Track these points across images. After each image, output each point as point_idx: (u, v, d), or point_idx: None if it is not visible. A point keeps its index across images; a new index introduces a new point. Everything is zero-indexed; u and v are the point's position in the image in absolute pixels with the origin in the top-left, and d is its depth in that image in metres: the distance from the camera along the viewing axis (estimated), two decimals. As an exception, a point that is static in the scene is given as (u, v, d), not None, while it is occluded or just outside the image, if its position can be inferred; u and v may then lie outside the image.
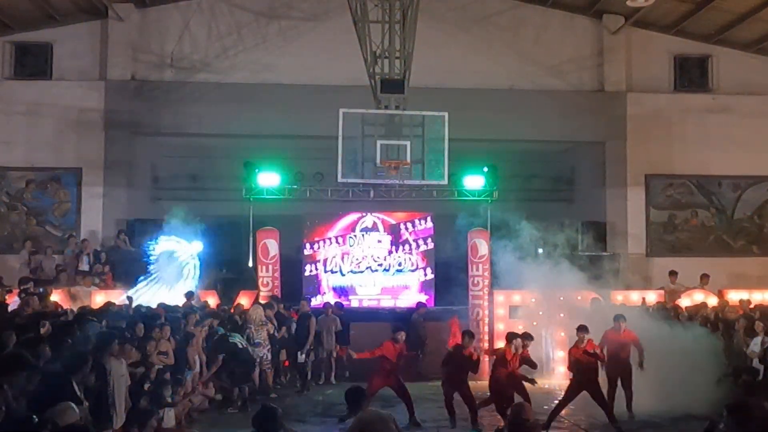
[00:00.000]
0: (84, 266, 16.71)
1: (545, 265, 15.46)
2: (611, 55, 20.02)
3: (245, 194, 17.43)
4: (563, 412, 11.92)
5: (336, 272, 17.94)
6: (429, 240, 18.06)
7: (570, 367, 11.90)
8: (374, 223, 18.10)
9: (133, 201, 19.20)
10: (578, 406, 12.33)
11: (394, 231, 18.06)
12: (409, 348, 12.98)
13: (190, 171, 20.92)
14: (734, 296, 16.12)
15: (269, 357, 14.09)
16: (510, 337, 11.93)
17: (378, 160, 15.50)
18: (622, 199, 19.91)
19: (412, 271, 18.00)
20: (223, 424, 11.67)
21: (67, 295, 14.42)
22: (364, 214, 18.13)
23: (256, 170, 17.30)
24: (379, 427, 6.39)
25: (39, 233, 18.63)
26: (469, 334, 11.87)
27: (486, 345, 15.56)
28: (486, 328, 16.44)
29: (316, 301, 17.21)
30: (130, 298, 13.95)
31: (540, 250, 16.19)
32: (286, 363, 15.40)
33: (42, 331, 8.98)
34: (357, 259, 17.96)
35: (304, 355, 14.88)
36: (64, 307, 13.03)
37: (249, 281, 17.18)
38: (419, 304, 16.75)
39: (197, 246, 15.99)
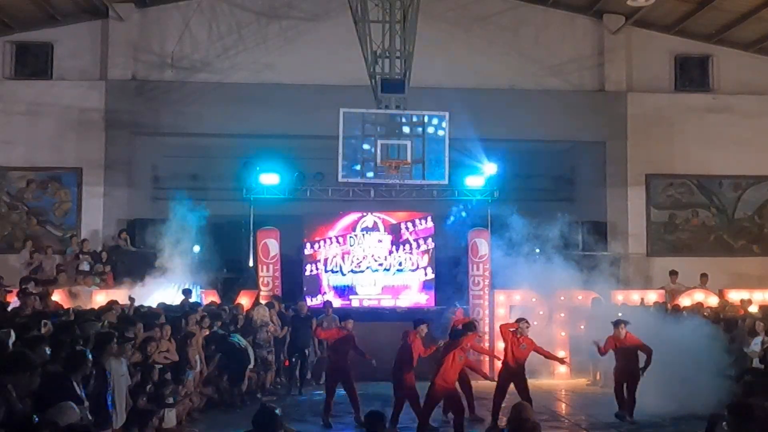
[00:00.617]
0: (84, 266, 16.70)
1: (545, 265, 15.47)
2: (612, 54, 20.02)
3: (245, 194, 17.43)
4: (564, 411, 11.91)
5: (336, 272, 17.94)
6: (429, 240, 18.05)
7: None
8: (374, 223, 18.09)
9: (133, 201, 19.21)
10: (578, 406, 12.35)
11: (394, 231, 18.05)
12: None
13: (191, 171, 20.92)
14: (735, 296, 16.13)
15: (270, 358, 14.10)
16: (470, 326, 11.65)
17: (378, 160, 15.51)
18: (622, 199, 19.91)
19: (413, 270, 17.99)
20: (223, 424, 11.66)
21: (67, 294, 14.41)
22: (364, 213, 18.12)
23: (256, 170, 17.30)
24: None
25: (39, 233, 18.63)
26: (469, 327, 11.58)
27: (486, 345, 15.54)
28: (486, 328, 16.42)
29: (317, 301, 17.21)
30: (132, 299, 13.94)
31: (539, 250, 16.19)
32: (287, 363, 15.41)
33: (43, 330, 8.97)
34: (357, 259, 17.95)
35: (294, 359, 14.94)
36: (65, 307, 13.02)
37: (249, 281, 17.20)
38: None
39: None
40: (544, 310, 15.92)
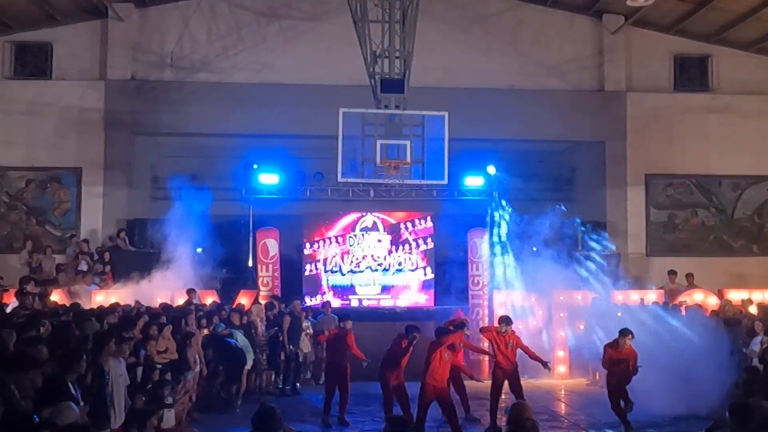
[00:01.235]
0: (84, 266, 16.70)
1: (545, 265, 15.47)
2: (611, 54, 20.01)
3: (245, 194, 17.43)
4: (563, 411, 11.91)
5: (336, 272, 17.96)
6: (429, 240, 18.07)
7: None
8: (374, 223, 18.11)
9: (133, 201, 19.19)
10: (578, 405, 12.34)
11: (394, 231, 18.07)
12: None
13: (190, 171, 20.88)
14: (734, 296, 16.12)
15: (263, 357, 14.13)
16: (459, 325, 11.70)
17: (378, 160, 15.48)
18: (622, 199, 19.89)
19: (412, 270, 18.01)
20: (222, 424, 11.66)
21: (66, 294, 14.41)
22: (364, 213, 18.14)
23: (256, 170, 17.30)
24: None
25: (39, 233, 18.62)
26: (458, 326, 11.69)
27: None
28: (486, 328, 16.41)
29: (316, 301, 17.21)
30: (138, 303, 13.92)
31: (536, 249, 16.18)
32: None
33: (41, 330, 8.97)
34: (357, 259, 17.97)
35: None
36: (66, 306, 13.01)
37: (249, 281, 17.20)
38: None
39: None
40: (543, 310, 15.92)
